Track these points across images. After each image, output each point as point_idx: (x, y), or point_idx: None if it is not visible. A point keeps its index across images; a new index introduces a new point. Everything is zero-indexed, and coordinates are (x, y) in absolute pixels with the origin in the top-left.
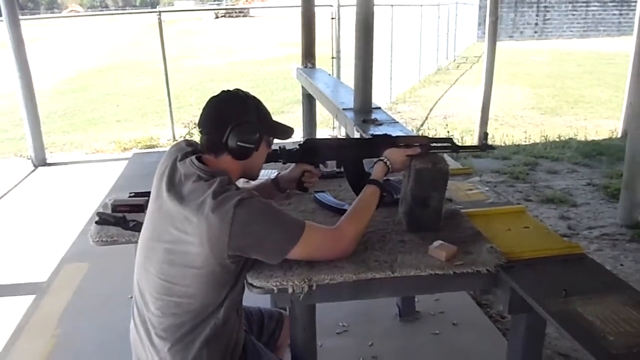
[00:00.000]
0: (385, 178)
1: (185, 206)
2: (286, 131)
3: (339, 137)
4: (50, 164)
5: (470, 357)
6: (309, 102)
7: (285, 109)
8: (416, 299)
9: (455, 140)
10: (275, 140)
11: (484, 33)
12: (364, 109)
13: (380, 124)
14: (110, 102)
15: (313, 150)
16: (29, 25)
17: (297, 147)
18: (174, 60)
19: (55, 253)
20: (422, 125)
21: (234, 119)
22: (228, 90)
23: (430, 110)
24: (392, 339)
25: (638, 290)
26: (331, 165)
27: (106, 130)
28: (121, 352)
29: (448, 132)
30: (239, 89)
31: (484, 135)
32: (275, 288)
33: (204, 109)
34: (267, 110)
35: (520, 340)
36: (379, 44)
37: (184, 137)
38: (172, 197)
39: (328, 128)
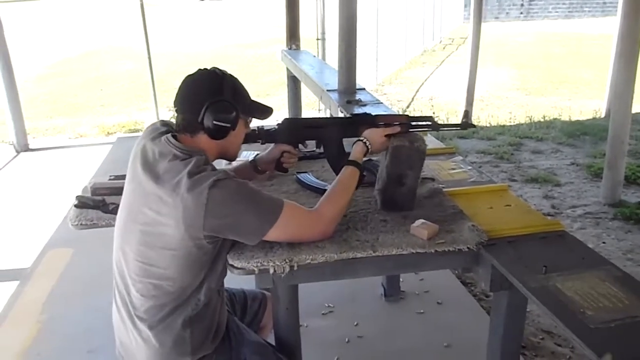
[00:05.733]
0: (367, 158)
1: (161, 186)
2: (265, 110)
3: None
4: (32, 150)
5: (455, 335)
6: (294, 84)
7: (270, 92)
8: (401, 279)
9: (436, 119)
10: (255, 121)
11: (470, 14)
12: (348, 90)
13: (364, 105)
14: (93, 86)
15: (292, 129)
16: (8, 8)
17: (276, 126)
18: (158, 44)
19: (39, 239)
20: (408, 106)
21: (210, 97)
22: (204, 69)
23: (417, 91)
24: (378, 319)
25: (617, 266)
26: (311, 145)
27: (90, 114)
28: (107, 336)
29: (434, 113)
30: (215, 67)
31: (464, 113)
32: (256, 269)
33: (179, 88)
34: (244, 89)
35: (502, 318)
36: (364, 25)
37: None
38: (147, 176)
39: (314, 110)
